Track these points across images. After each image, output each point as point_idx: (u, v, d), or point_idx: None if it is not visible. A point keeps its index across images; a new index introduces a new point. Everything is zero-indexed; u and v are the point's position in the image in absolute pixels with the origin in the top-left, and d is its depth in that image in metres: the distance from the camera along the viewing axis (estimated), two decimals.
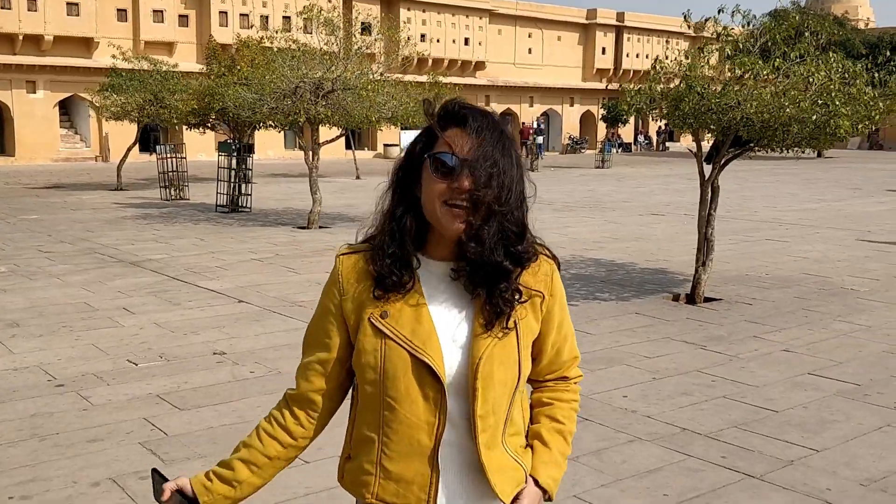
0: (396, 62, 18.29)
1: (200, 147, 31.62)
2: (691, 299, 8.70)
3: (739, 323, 7.83)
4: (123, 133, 27.75)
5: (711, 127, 8.43)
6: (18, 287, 9.12)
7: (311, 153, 14.90)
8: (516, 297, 1.66)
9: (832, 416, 5.32)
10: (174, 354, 6.57)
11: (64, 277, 9.70)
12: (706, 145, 9.75)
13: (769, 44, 8.62)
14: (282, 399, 1.80)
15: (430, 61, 40.55)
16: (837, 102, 7.65)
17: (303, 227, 14.47)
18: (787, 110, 7.66)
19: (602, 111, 46.40)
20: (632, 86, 8.89)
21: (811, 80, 7.91)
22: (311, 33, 15.65)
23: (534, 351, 1.76)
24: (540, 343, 1.76)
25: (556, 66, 50.45)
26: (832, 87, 7.79)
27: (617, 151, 47.18)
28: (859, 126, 8.11)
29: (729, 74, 8.57)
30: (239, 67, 17.43)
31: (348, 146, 31.84)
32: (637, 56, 52.61)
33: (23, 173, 27.57)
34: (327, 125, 15.07)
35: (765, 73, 7.86)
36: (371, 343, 1.64)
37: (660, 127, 50.25)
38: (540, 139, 35.41)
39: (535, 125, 37.95)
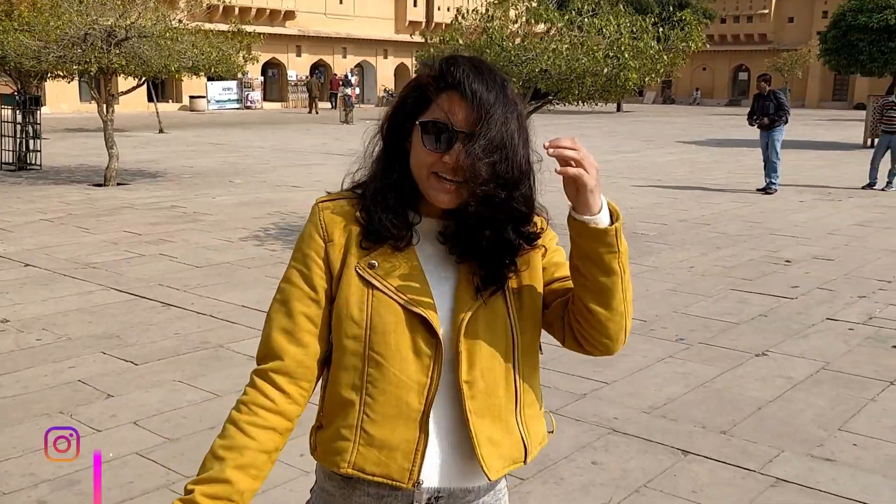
0: (199, 9, 17.42)
1: None
2: None
3: None
4: None
5: (513, 80, 8.66)
6: None
7: (104, 105, 13.98)
8: (512, 268, 1.54)
9: (621, 351, 5.62)
10: None
11: None
12: None
13: None
14: (255, 379, 1.52)
15: (237, 9, 39.05)
16: (627, 55, 8.07)
17: (99, 185, 13.61)
18: (582, 62, 7.99)
19: (416, 64, 46.65)
20: (431, 37, 8.96)
21: (604, 32, 8.28)
22: None
23: (552, 297, 1.61)
24: (554, 286, 1.62)
25: (368, 18, 50.05)
26: (623, 40, 8.19)
27: None
28: (646, 79, 8.60)
29: (533, 28, 8.82)
30: (18, 12, 15.97)
31: (151, 98, 30.13)
32: (448, 9, 53.02)
33: None
34: (123, 75, 14.18)
35: (559, 25, 8.14)
36: (357, 294, 1.49)
37: None
38: (349, 91, 35.00)
39: (346, 77, 37.52)
